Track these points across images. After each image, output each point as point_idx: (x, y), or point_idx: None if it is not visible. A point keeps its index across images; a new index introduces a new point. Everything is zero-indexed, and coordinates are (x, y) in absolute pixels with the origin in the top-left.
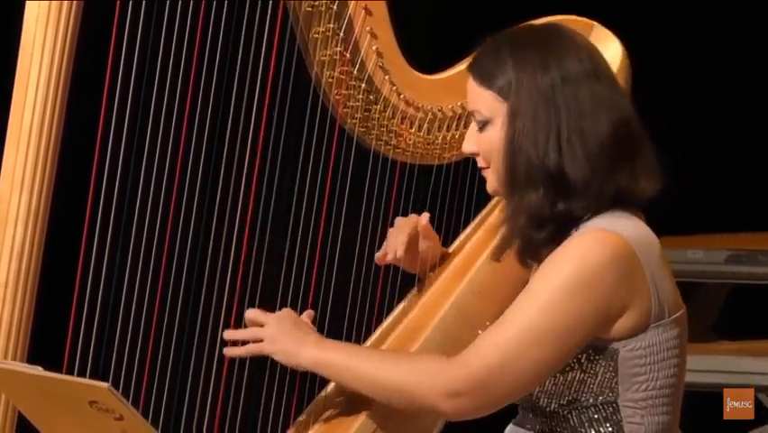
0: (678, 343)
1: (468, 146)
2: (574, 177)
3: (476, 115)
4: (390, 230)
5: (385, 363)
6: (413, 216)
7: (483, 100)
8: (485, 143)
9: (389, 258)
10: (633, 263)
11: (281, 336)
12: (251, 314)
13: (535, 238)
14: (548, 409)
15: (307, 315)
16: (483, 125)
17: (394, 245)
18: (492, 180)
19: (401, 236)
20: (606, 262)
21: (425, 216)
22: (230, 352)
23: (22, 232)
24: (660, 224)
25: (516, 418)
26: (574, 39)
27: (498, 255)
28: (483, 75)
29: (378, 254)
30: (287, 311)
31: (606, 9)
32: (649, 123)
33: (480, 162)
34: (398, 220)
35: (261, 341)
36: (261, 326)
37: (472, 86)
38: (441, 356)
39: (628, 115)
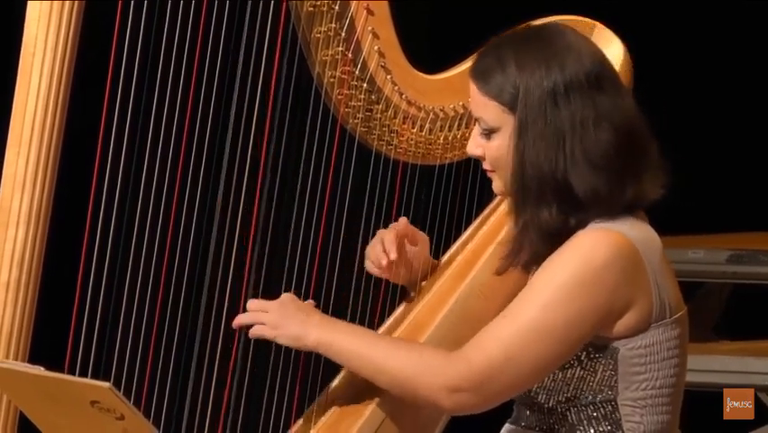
0: (679, 343)
1: (473, 150)
2: (582, 191)
3: (481, 122)
4: (372, 243)
5: (389, 352)
6: (394, 224)
7: (488, 110)
8: (492, 151)
9: (376, 267)
10: (636, 262)
11: (284, 319)
12: (254, 304)
13: (545, 252)
14: (546, 405)
15: (308, 304)
16: (489, 133)
17: (387, 249)
18: (499, 184)
19: (389, 238)
20: (609, 261)
21: (402, 219)
22: (236, 324)
23: (23, 233)
24: (660, 223)
25: (512, 416)
26: (575, 41)
27: (500, 257)
28: (487, 84)
29: (368, 264)
30: (287, 295)
31: (607, 9)
32: (650, 123)
33: (486, 166)
34: (379, 232)
35: (264, 325)
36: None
37: (476, 94)
38: (442, 350)
39: (632, 120)
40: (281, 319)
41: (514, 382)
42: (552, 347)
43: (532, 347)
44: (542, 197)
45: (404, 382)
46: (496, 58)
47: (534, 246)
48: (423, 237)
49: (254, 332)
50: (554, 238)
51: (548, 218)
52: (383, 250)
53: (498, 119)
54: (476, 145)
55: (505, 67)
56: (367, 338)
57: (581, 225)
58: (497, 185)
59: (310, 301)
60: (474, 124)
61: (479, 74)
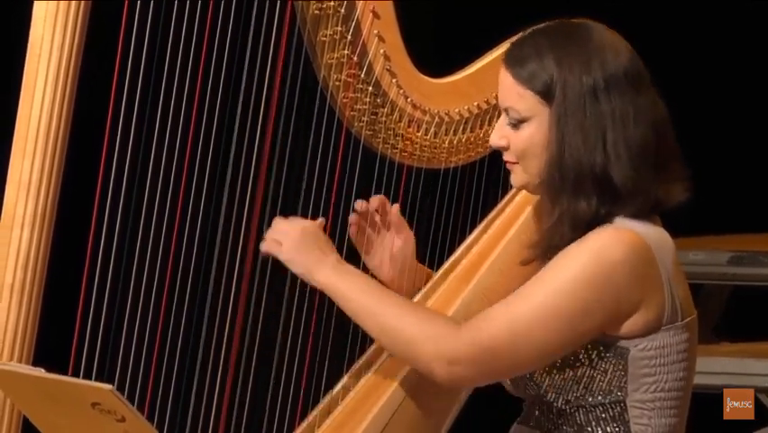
0: (688, 347)
1: (497, 140)
2: (621, 183)
3: (511, 112)
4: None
5: (396, 311)
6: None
7: (522, 99)
8: (520, 142)
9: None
10: (649, 262)
11: (301, 246)
12: (279, 223)
13: (571, 240)
14: (555, 405)
15: (320, 224)
16: (518, 123)
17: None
18: (522, 177)
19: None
20: (621, 259)
21: (395, 206)
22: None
23: (28, 235)
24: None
25: (520, 416)
26: (612, 38)
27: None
28: (523, 73)
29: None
30: (311, 224)
31: (611, 11)
32: None
33: (509, 157)
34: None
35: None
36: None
37: (509, 82)
38: (450, 319)
39: (665, 120)
40: (298, 247)
41: (513, 362)
42: (556, 334)
43: (536, 330)
44: (580, 187)
45: (404, 345)
46: (534, 49)
47: (564, 236)
48: (408, 235)
49: (269, 248)
50: (586, 228)
51: (585, 209)
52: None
53: (532, 109)
54: (500, 136)
55: (543, 59)
56: (377, 293)
57: (610, 217)
58: (518, 178)
59: (321, 221)
60: (498, 116)
61: (516, 63)
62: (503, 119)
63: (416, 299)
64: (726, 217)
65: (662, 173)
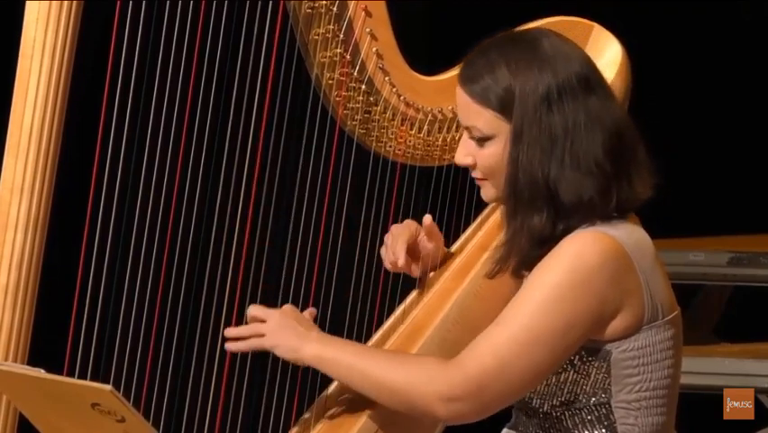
0: (672, 344)
1: (463, 159)
2: (568, 197)
3: (473, 131)
4: (387, 237)
5: (385, 364)
6: (408, 222)
7: (482, 118)
8: (486, 159)
9: (390, 267)
10: (625, 264)
11: (283, 330)
12: (253, 310)
13: (535, 257)
14: (541, 410)
15: (309, 313)
16: (482, 141)
17: (394, 254)
18: (491, 192)
19: (399, 244)
20: (598, 263)
21: (428, 217)
22: (231, 347)
23: (22, 236)
24: (661, 226)
25: (510, 421)
26: (561, 44)
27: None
28: (480, 92)
29: (386, 263)
30: (289, 307)
31: (606, 10)
32: (649, 125)
33: (477, 174)
34: (394, 227)
35: (263, 336)
36: (263, 321)
37: (467, 102)
38: (438, 359)
39: (621, 123)
40: (281, 330)
41: (509, 389)
42: (545, 353)
43: (525, 354)
44: (533, 203)
45: (399, 393)
46: (486, 65)
47: (522, 252)
48: (438, 236)
49: (251, 344)
50: (543, 244)
51: (538, 224)
52: (393, 254)
53: (493, 126)
54: (465, 154)
55: (497, 73)
56: (362, 352)
57: (567, 231)
58: (488, 193)
59: (311, 310)
60: (462, 132)
61: (470, 82)
62: (465, 136)
63: (411, 298)
64: (725, 218)
65: (621, 175)
